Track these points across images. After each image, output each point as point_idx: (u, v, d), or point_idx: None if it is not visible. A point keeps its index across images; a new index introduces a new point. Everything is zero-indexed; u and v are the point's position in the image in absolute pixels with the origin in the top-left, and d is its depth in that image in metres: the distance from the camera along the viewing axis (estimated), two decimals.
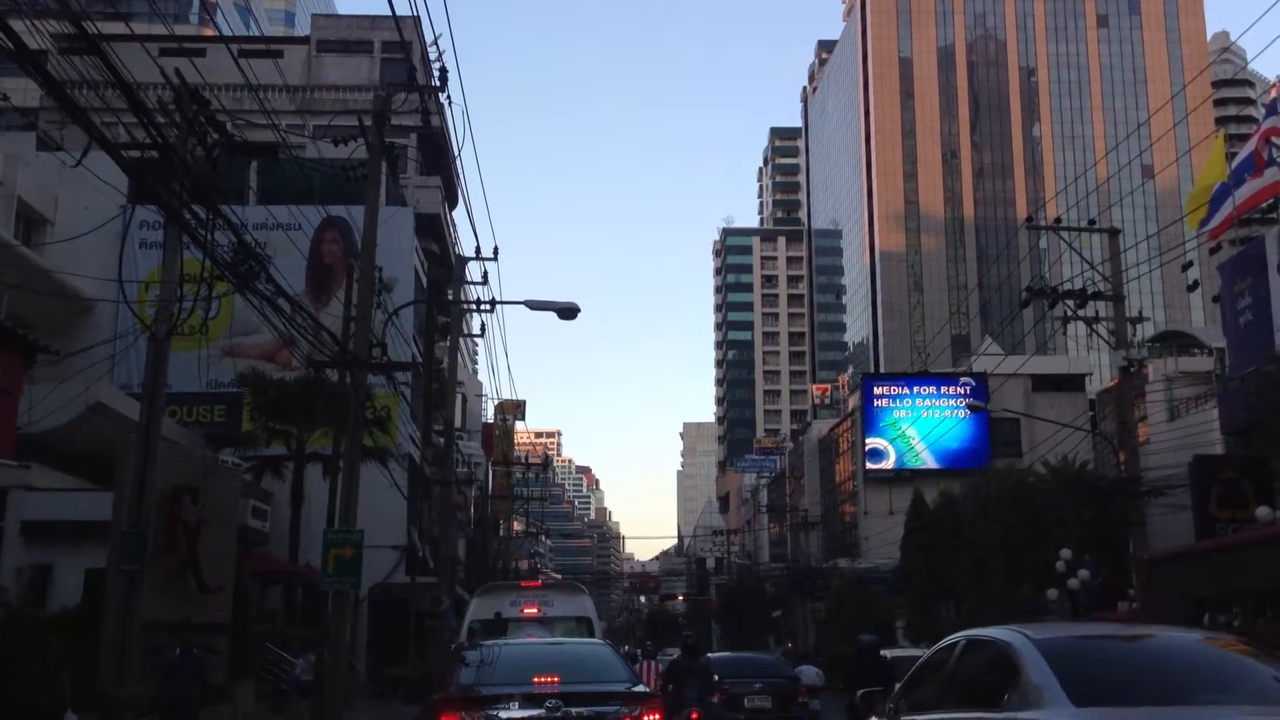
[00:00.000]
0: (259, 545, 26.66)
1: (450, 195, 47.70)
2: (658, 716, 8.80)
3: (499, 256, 25.75)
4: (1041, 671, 5.56)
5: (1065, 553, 33.28)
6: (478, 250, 33.31)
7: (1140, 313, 30.22)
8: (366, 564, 35.15)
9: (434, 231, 43.97)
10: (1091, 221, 28.90)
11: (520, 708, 8.57)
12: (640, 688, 9.49)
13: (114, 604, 17.65)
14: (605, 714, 8.63)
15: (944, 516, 36.33)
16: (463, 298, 33.71)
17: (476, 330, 38.91)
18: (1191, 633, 7.73)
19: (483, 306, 24.78)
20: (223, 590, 20.73)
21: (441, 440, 31.83)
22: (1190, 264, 32.40)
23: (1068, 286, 28.00)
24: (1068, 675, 5.46)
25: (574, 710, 8.50)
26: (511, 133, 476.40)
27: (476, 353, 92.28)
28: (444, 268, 40.17)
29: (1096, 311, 28.33)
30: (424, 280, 40.15)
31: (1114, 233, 28.42)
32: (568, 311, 19.68)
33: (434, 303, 35.04)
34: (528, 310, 19.39)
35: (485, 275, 31.93)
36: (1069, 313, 27.78)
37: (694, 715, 15.64)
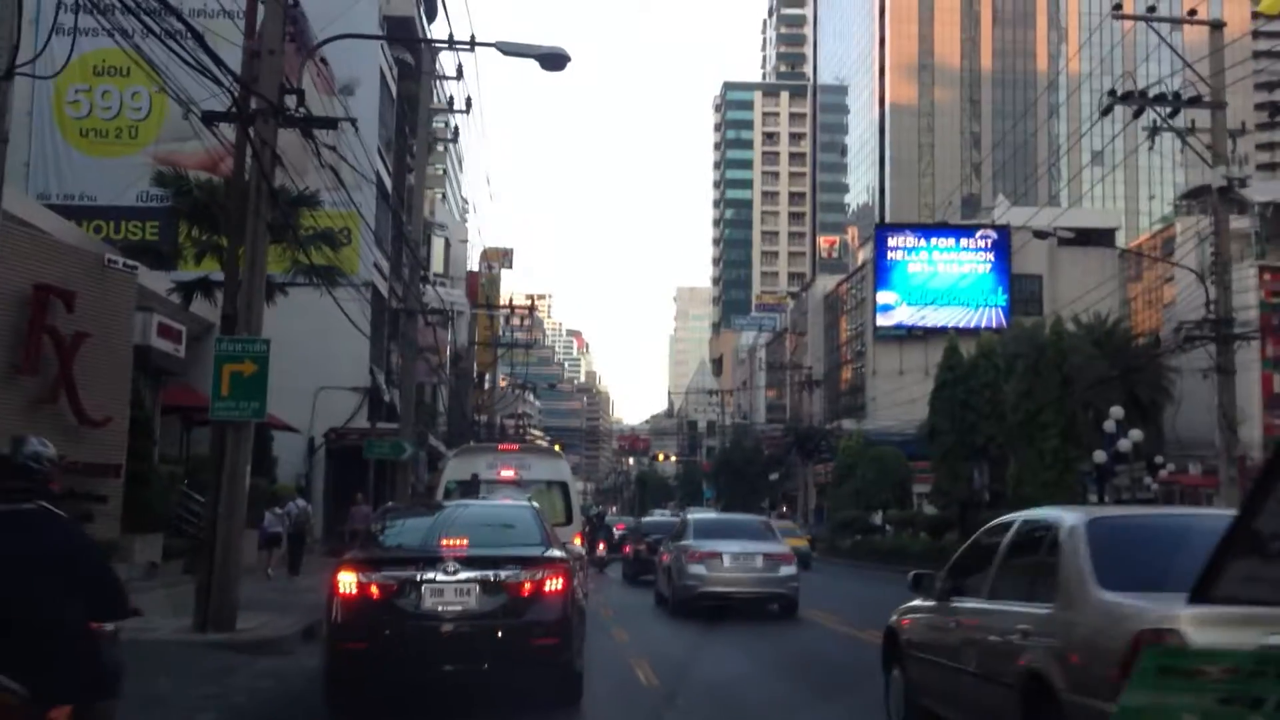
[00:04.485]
0: (174, 375, 22.22)
1: (429, 2, 42.18)
2: (562, 580, 8.99)
3: (475, 47, 20.73)
4: None
5: (1116, 410, 29.63)
6: (451, 37, 28.34)
7: (1243, 125, 25.44)
8: (322, 407, 31.20)
9: (406, 38, 38.49)
10: (1191, 12, 23.95)
11: (418, 570, 8.76)
12: (552, 552, 9.43)
13: None
14: (501, 576, 8.83)
15: (982, 369, 32.09)
16: (430, 101, 28.91)
17: (451, 140, 33.92)
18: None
19: (452, 50, 19.85)
20: (112, 422, 16.43)
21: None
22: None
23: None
24: None
25: (470, 574, 8.72)
26: None
27: (466, 208, 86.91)
28: (417, 81, 35.01)
29: (1191, 122, 23.76)
30: (393, 89, 35.01)
31: (1217, 25, 23.57)
32: (552, 59, 14.80)
33: (361, 37, 29.46)
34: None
35: (460, 70, 27.10)
36: (1157, 123, 23.17)
37: (601, 544, 26.60)
